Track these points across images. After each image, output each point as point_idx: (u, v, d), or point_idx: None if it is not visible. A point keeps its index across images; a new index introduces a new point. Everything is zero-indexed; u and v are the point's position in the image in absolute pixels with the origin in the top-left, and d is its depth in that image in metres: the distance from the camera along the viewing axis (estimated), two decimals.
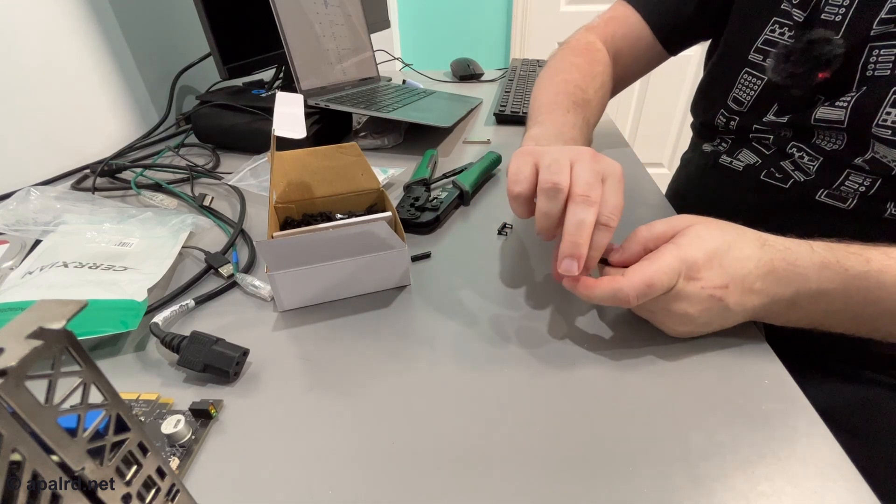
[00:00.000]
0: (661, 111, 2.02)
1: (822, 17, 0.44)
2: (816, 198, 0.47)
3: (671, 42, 0.61)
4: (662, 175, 2.09)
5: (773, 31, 0.48)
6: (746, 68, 0.51)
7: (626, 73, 0.64)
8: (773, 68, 0.46)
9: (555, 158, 0.34)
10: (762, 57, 0.49)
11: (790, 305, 0.32)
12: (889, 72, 0.41)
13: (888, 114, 0.40)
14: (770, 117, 0.50)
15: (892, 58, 0.40)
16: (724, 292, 0.30)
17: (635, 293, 0.30)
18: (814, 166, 0.47)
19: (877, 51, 0.41)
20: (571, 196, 0.32)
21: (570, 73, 0.56)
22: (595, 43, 0.62)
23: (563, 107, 0.51)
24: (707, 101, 0.60)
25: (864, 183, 0.44)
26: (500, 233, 0.49)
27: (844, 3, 0.43)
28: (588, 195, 0.31)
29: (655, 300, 0.32)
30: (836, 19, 0.43)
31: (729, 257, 0.31)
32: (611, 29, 0.62)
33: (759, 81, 0.50)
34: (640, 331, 0.35)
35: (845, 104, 0.43)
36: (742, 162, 0.54)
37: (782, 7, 0.47)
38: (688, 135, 0.68)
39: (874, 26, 0.41)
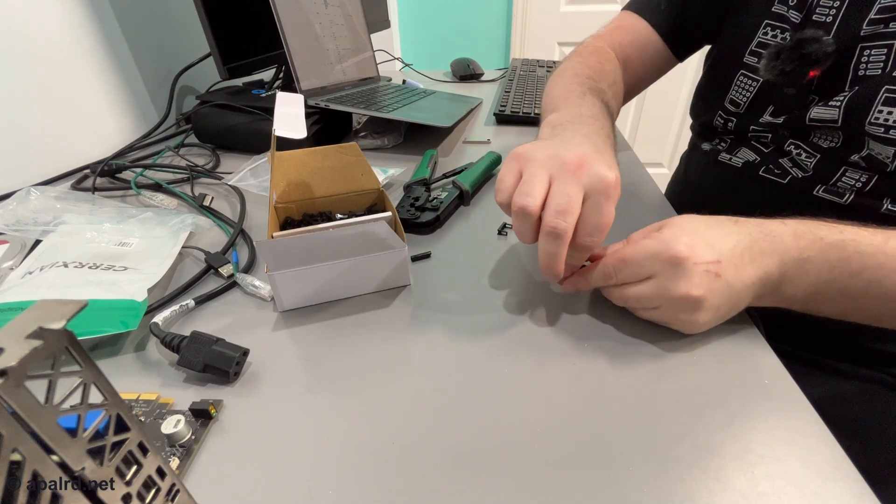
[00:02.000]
0: (661, 111, 2.02)
1: (814, 17, 0.45)
2: (814, 193, 0.47)
3: (679, 46, 0.61)
4: (662, 175, 2.09)
5: (765, 33, 0.49)
6: (742, 70, 0.52)
7: (635, 80, 0.64)
8: (765, 66, 0.47)
9: (532, 174, 0.33)
10: (756, 59, 0.50)
11: (782, 277, 0.33)
12: (880, 71, 0.41)
13: (880, 112, 0.41)
14: (766, 118, 0.51)
15: (883, 57, 0.41)
16: (720, 267, 0.31)
17: (611, 265, 0.34)
18: (811, 163, 0.48)
19: (868, 51, 0.42)
20: (542, 224, 0.32)
21: (581, 69, 0.56)
22: (604, 47, 0.62)
23: (576, 94, 0.50)
24: (705, 103, 0.60)
25: (861, 179, 0.45)
26: (500, 233, 0.49)
27: (835, 5, 0.43)
28: (555, 227, 0.31)
29: (655, 292, 0.32)
30: (827, 20, 0.44)
31: (711, 235, 0.32)
32: (618, 37, 0.63)
33: (755, 83, 0.51)
34: (640, 331, 0.35)
35: (838, 103, 0.43)
36: (741, 159, 0.55)
37: (773, 10, 0.48)
38: (688, 135, 0.69)
39: (864, 26, 0.41)
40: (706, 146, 0.60)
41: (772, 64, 0.46)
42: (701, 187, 0.62)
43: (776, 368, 0.32)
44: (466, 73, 1.15)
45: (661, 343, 0.34)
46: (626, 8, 0.65)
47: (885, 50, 0.41)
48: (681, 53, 0.62)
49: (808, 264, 0.32)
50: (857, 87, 0.42)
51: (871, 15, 0.41)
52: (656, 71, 0.64)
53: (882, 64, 0.41)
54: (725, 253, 0.31)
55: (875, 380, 0.48)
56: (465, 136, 0.77)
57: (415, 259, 0.45)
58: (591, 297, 0.39)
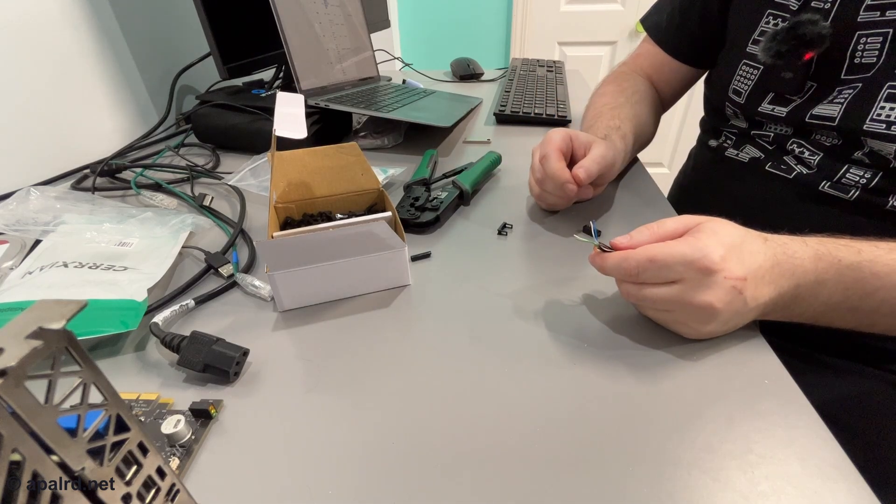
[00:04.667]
0: None
1: (812, 3, 0.46)
2: (820, 189, 0.48)
3: (692, 58, 0.65)
4: (663, 175, 2.09)
5: (767, 22, 0.50)
6: (745, 60, 0.53)
7: (664, 96, 0.70)
8: (763, 48, 0.49)
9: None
10: (758, 47, 0.51)
11: (794, 298, 0.33)
12: (875, 59, 0.42)
13: (882, 108, 0.41)
14: (765, 106, 0.51)
15: (878, 45, 0.42)
16: (744, 285, 0.31)
17: (635, 263, 0.32)
18: (815, 160, 0.48)
19: (864, 38, 0.42)
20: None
21: (603, 98, 0.64)
22: (626, 72, 0.69)
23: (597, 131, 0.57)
24: (711, 95, 0.63)
25: (865, 175, 0.45)
26: (500, 233, 0.49)
27: None
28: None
29: (676, 298, 0.32)
30: (826, 6, 0.45)
31: (744, 251, 0.32)
32: (639, 62, 0.70)
33: (756, 71, 0.52)
34: (640, 332, 0.35)
35: (842, 101, 0.44)
36: (748, 155, 0.56)
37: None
38: (688, 135, 0.70)
39: (861, 12, 0.42)
40: (713, 143, 0.62)
41: (769, 45, 0.48)
42: (707, 182, 0.63)
43: (776, 368, 0.32)
44: (466, 72, 1.15)
45: (661, 343, 0.34)
46: (643, 22, 0.70)
47: (881, 38, 0.41)
48: (698, 63, 0.65)
49: (822, 286, 0.33)
50: (858, 85, 0.43)
51: (868, 1, 0.42)
52: (681, 86, 0.70)
53: (877, 52, 0.42)
54: (752, 271, 0.31)
55: (876, 378, 0.48)
56: (465, 136, 0.77)
57: (415, 259, 0.45)
58: (590, 297, 0.39)
